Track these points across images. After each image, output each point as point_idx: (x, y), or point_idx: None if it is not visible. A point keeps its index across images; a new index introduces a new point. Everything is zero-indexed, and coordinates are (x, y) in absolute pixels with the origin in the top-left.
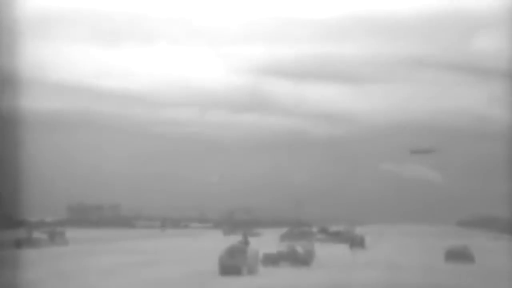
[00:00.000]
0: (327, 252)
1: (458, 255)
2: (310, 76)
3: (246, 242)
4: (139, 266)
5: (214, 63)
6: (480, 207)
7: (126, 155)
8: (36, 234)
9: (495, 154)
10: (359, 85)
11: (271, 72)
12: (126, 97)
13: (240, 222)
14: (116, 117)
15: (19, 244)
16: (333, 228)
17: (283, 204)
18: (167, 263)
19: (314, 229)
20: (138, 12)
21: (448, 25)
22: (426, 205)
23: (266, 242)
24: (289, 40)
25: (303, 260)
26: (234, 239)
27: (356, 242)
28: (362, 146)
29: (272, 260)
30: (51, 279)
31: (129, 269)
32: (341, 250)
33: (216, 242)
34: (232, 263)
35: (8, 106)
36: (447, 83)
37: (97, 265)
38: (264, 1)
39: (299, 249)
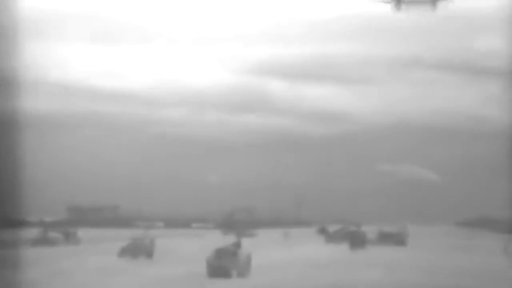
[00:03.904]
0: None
1: None
2: (308, 76)
3: (238, 244)
4: (135, 267)
5: (211, 63)
6: (479, 207)
7: (126, 155)
8: (51, 234)
9: (494, 154)
10: (357, 85)
11: (269, 72)
12: (126, 97)
13: (239, 223)
14: (116, 117)
15: (35, 243)
16: (386, 228)
17: (283, 204)
18: (164, 264)
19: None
20: (136, 12)
21: (445, 25)
22: (424, 205)
23: (260, 243)
24: (286, 40)
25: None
26: (232, 239)
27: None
28: (360, 146)
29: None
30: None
31: (125, 269)
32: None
33: (215, 243)
34: (220, 265)
35: (7, 106)
36: (445, 83)
37: (96, 264)
38: (260, 1)
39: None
